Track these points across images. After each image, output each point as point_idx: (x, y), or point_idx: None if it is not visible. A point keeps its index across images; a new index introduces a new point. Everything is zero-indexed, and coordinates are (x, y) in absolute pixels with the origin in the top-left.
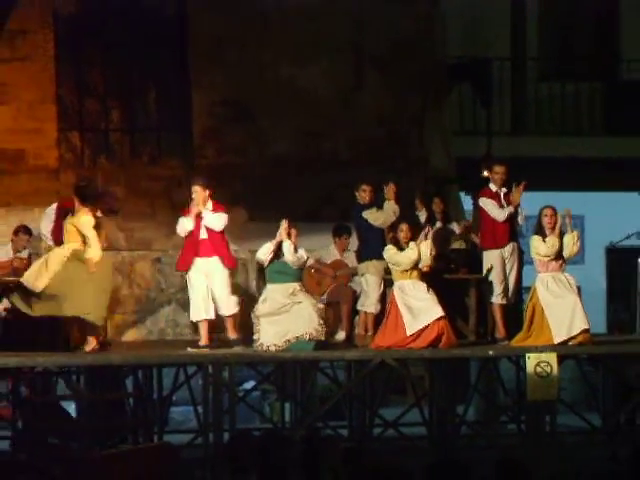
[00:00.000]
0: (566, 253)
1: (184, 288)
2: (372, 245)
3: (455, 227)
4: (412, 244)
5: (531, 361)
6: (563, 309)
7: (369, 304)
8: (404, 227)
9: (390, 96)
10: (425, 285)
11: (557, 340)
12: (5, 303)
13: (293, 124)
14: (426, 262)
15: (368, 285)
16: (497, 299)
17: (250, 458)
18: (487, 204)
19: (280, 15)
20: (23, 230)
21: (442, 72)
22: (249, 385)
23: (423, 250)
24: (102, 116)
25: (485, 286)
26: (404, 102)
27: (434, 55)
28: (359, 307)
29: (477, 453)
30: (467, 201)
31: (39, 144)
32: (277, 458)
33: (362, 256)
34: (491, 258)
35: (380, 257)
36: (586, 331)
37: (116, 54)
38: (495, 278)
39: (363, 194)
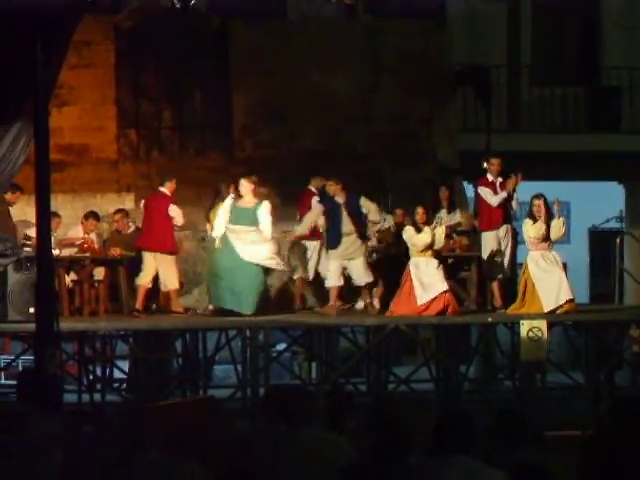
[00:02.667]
0: (553, 236)
1: None
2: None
3: (458, 214)
4: (427, 228)
5: (524, 327)
6: (551, 282)
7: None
8: (420, 211)
9: (402, 98)
10: (437, 262)
11: (546, 309)
12: (72, 275)
13: (318, 122)
14: (440, 245)
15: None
16: (494, 274)
17: (282, 409)
18: (483, 191)
19: (307, 28)
20: (93, 215)
21: (448, 77)
22: (281, 347)
23: (438, 234)
24: (155, 115)
25: (484, 263)
26: (415, 103)
27: (441, 63)
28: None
29: (478, 406)
30: (469, 189)
31: (101, 140)
32: (304, 409)
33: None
34: (488, 239)
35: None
36: (571, 301)
37: (167, 62)
38: (491, 256)
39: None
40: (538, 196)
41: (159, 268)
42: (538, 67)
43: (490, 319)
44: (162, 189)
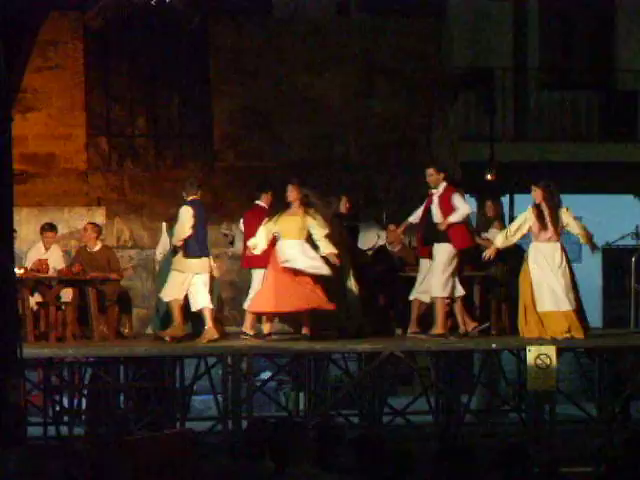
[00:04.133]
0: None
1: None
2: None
3: None
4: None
5: (532, 354)
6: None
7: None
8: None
9: (399, 103)
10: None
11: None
12: (37, 297)
13: (307, 129)
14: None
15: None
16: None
17: (266, 444)
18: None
19: (295, 28)
20: (49, 228)
21: (448, 81)
22: (266, 375)
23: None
24: (128, 122)
25: (489, 282)
26: (412, 109)
27: (441, 65)
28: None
29: (481, 441)
30: (472, 202)
31: (69, 148)
32: (291, 444)
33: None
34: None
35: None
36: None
37: (142, 64)
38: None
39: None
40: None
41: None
42: (547, 70)
43: (494, 345)
44: (258, 202)
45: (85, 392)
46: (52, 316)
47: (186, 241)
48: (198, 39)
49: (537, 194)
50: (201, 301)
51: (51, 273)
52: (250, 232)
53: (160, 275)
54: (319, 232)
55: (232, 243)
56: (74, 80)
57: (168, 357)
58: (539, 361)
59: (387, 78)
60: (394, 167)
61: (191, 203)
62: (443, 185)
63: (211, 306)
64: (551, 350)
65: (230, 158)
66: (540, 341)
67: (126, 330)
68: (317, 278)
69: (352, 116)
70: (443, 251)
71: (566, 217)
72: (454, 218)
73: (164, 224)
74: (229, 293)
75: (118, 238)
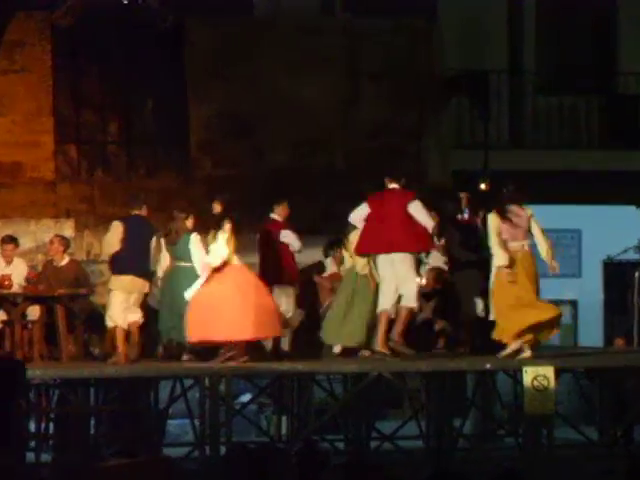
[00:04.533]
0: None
1: None
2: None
3: None
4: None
5: (528, 374)
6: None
7: None
8: None
9: (387, 108)
10: None
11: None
12: (1, 315)
13: (289, 136)
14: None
15: None
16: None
17: (247, 471)
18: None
19: (276, 28)
20: (9, 240)
21: (439, 85)
22: (246, 398)
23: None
24: (99, 128)
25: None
26: (401, 115)
27: (431, 67)
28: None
29: (474, 467)
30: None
31: (36, 157)
32: (273, 471)
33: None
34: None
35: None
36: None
37: (113, 66)
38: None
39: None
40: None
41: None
42: (544, 73)
43: (488, 365)
44: (273, 215)
45: (53, 416)
46: (17, 335)
47: (113, 257)
48: (173, 40)
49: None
50: (113, 318)
51: (15, 289)
52: (267, 252)
53: (166, 292)
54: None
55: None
56: (41, 83)
57: (142, 379)
58: (536, 382)
59: (374, 81)
60: (382, 176)
61: (125, 219)
62: None
63: (125, 327)
64: (549, 371)
65: (207, 167)
66: (537, 361)
67: (97, 350)
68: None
69: (337, 122)
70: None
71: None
72: None
73: (162, 240)
74: None
75: (88, 252)
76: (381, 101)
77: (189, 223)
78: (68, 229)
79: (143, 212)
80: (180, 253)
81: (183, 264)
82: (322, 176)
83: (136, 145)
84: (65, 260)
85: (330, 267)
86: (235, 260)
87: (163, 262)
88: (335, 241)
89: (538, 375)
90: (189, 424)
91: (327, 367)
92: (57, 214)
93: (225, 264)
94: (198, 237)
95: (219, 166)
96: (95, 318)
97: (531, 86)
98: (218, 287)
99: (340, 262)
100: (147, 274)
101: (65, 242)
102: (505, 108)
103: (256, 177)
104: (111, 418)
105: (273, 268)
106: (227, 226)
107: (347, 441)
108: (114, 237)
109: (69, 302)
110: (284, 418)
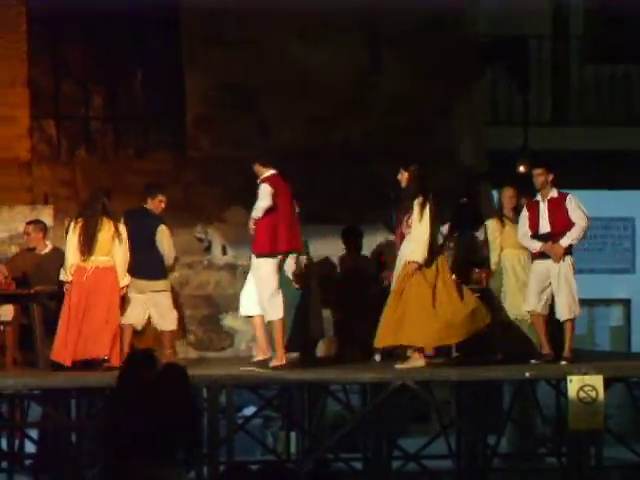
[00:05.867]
0: None
1: None
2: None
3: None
4: None
5: (573, 384)
6: None
7: None
8: None
9: (411, 80)
10: None
11: None
12: None
13: (300, 112)
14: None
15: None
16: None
17: None
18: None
19: None
20: None
21: (472, 52)
22: (249, 411)
23: None
24: (81, 102)
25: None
26: (427, 87)
27: (463, 33)
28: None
29: None
30: None
31: (9, 133)
32: None
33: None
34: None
35: None
36: None
37: (98, 31)
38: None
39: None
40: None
41: None
42: (593, 39)
43: (528, 374)
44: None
45: (28, 432)
46: None
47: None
48: (167, 0)
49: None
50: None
51: None
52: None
53: None
54: None
55: (208, 249)
56: (15, 50)
57: None
58: (583, 394)
59: (396, 50)
60: (405, 157)
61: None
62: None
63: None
64: (597, 380)
65: (205, 146)
66: (584, 369)
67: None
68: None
69: (354, 96)
70: None
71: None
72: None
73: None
74: (204, 310)
75: None
76: (404, 72)
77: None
78: (46, 217)
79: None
80: None
81: None
82: (336, 157)
83: (124, 121)
84: (47, 248)
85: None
86: None
87: None
88: (351, 229)
89: (585, 385)
90: None
91: (343, 376)
92: (33, 200)
93: None
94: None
95: (219, 145)
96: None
97: (578, 53)
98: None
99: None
100: None
101: (42, 226)
102: (548, 79)
103: (261, 158)
104: (95, 434)
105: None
106: None
107: (366, 460)
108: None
109: (48, 301)
110: (293, 434)
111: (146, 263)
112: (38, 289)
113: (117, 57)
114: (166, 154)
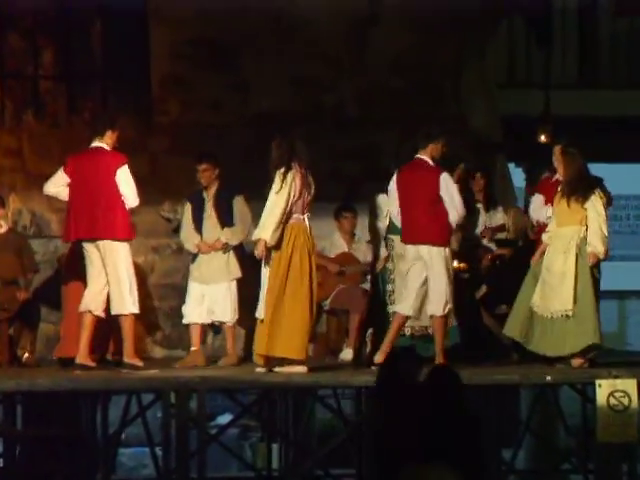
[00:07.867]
0: None
1: None
2: None
3: (501, 212)
4: None
5: (602, 390)
6: None
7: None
8: None
9: (415, 34)
10: None
11: None
12: None
13: (284, 70)
14: None
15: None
16: None
17: None
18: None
19: None
20: None
21: (485, 4)
22: (225, 419)
23: None
24: (30, 58)
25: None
26: (434, 42)
27: None
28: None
29: None
30: (519, 173)
31: None
32: None
33: None
34: None
35: None
36: None
37: None
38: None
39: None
40: None
41: None
42: None
43: (549, 377)
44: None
45: None
46: None
47: None
48: None
49: None
50: None
51: None
52: None
53: None
54: None
55: (177, 231)
56: None
57: (85, 393)
58: (613, 401)
59: (397, 1)
60: (408, 125)
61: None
62: None
63: None
64: (630, 385)
65: (174, 110)
66: (614, 373)
67: (26, 354)
68: None
69: (348, 52)
70: None
71: None
72: None
73: None
74: (172, 302)
75: (15, 222)
76: (406, 25)
77: None
78: None
79: None
80: None
81: None
82: (328, 124)
83: (79, 81)
84: (3, 228)
85: (338, 244)
86: None
87: None
88: (344, 206)
89: (616, 391)
90: (148, 454)
91: (333, 379)
92: None
93: None
94: None
95: (190, 109)
96: (27, 313)
97: (607, 6)
98: None
99: (349, 232)
100: None
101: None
102: (573, 34)
103: (239, 124)
104: (42, 445)
105: None
106: None
107: (359, 477)
108: None
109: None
110: (275, 446)
111: None
112: None
113: (71, 5)
114: (128, 120)
